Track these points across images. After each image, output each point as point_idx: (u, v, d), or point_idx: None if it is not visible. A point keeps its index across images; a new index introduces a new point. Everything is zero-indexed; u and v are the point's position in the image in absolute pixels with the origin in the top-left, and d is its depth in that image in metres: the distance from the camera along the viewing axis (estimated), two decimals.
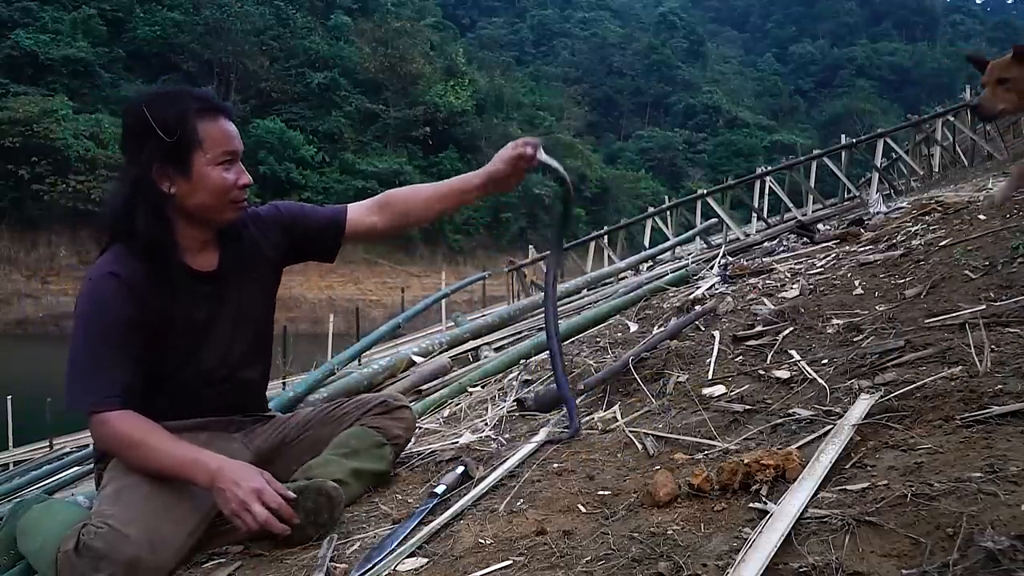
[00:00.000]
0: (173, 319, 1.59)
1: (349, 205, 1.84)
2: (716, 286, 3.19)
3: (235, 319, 1.69)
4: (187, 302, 1.61)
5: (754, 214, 14.01)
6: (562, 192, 1.84)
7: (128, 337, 1.53)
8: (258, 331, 1.77)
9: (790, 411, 1.49)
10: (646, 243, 13.96)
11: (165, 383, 1.63)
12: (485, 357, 3.67)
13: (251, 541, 1.52)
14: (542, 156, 1.72)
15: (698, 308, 2.57)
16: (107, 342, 1.51)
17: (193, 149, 1.54)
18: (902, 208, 4.43)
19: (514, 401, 2.19)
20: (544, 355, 2.99)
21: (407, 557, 1.25)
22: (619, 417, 1.77)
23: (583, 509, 1.28)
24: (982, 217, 2.80)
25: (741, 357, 1.98)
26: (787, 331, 2.05)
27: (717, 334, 2.21)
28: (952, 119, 13.83)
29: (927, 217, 3.30)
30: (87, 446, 5.01)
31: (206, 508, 1.52)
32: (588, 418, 1.87)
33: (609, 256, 13.93)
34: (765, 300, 2.53)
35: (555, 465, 1.54)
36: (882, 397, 1.39)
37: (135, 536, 1.38)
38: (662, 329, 2.48)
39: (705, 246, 9.39)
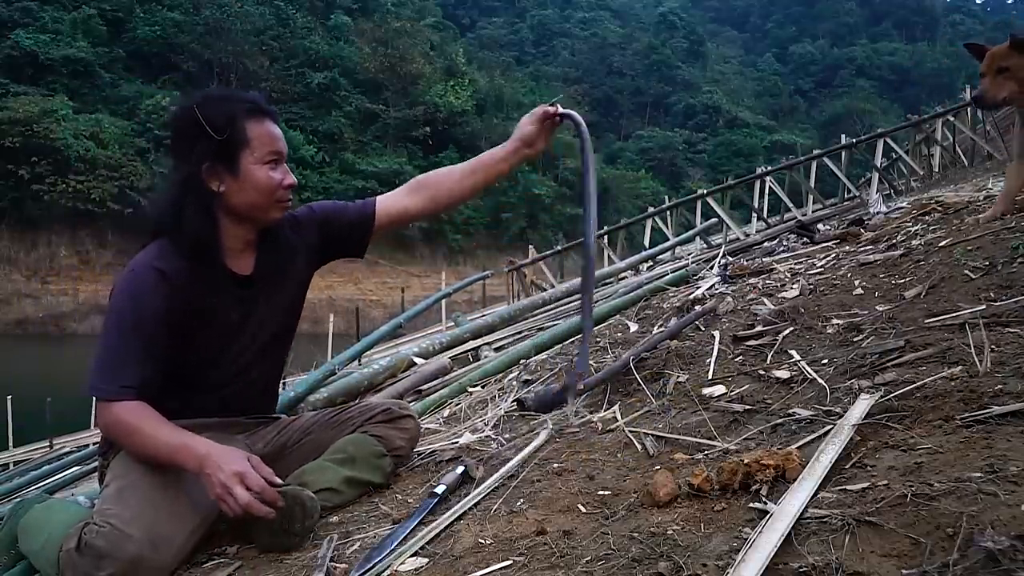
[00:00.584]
0: (208, 319, 1.61)
1: (378, 198, 1.87)
2: (716, 286, 3.19)
3: (263, 323, 1.72)
4: (224, 303, 1.63)
5: (754, 214, 14.01)
6: (581, 142, 1.95)
7: (158, 332, 1.54)
8: (282, 336, 1.80)
9: (790, 411, 1.49)
10: (646, 243, 13.96)
11: (189, 380, 1.64)
12: (485, 357, 3.67)
13: (233, 543, 1.52)
14: (562, 109, 1.83)
15: (698, 308, 2.57)
16: (137, 335, 1.53)
17: (242, 148, 1.58)
18: (902, 208, 4.43)
19: (514, 401, 2.19)
20: (544, 355, 2.99)
21: (407, 557, 1.25)
22: (619, 417, 1.77)
23: (583, 509, 1.28)
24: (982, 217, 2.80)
25: (741, 357, 1.98)
26: (787, 331, 2.05)
27: (717, 334, 2.21)
28: (952, 119, 13.82)
29: (927, 217, 3.30)
30: (87, 446, 5.01)
31: (207, 507, 1.52)
32: (588, 418, 1.87)
33: (609, 256, 13.93)
34: (765, 300, 2.53)
35: (555, 465, 1.54)
36: (882, 397, 1.39)
37: (137, 535, 1.39)
38: (662, 329, 2.49)
39: (705, 246, 9.38)
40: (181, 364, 1.61)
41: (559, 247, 14.67)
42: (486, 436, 1.92)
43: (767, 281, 2.97)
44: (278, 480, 1.48)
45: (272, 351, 1.78)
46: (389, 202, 1.85)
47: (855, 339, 1.82)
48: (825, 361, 1.74)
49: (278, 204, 1.64)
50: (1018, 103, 2.61)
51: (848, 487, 1.09)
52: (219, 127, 1.55)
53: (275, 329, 1.75)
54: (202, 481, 1.45)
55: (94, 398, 1.54)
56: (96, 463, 1.92)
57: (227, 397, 1.70)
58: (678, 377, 1.94)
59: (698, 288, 3.20)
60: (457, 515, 1.38)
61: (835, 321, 2.03)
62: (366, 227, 1.83)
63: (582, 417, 1.87)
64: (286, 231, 1.74)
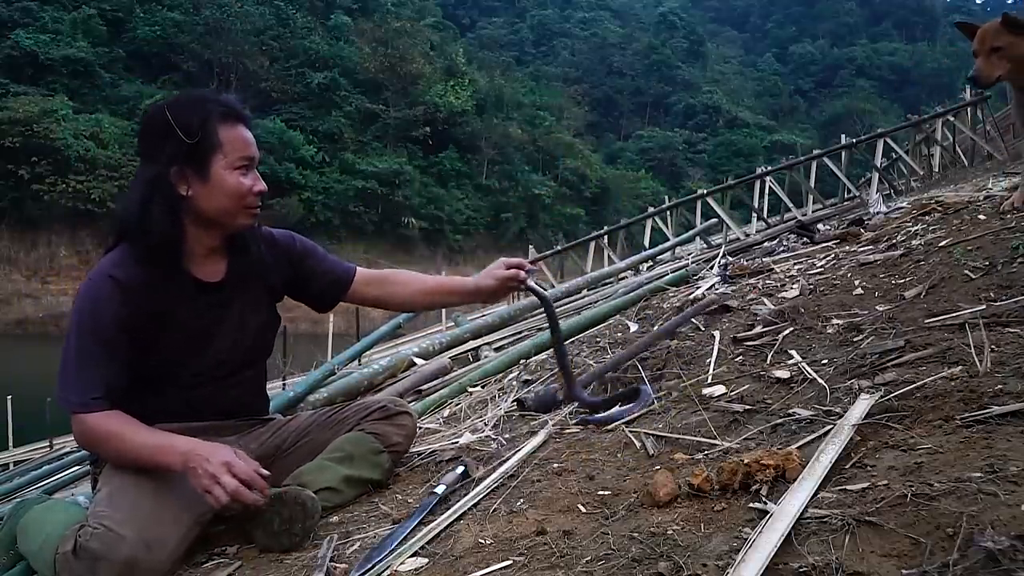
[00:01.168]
0: (168, 325, 1.59)
1: (359, 268, 1.89)
2: (716, 286, 3.18)
3: (237, 328, 1.70)
4: (187, 309, 1.61)
5: (754, 214, 14.01)
6: (547, 314, 2.00)
7: (118, 339, 1.53)
8: (257, 342, 1.78)
9: (790, 411, 1.49)
10: (646, 243, 13.96)
11: (159, 385, 1.63)
12: (485, 357, 3.67)
13: (233, 543, 1.52)
14: (531, 284, 1.88)
15: (688, 309, 2.57)
16: (96, 343, 1.52)
17: (212, 152, 1.56)
18: (902, 208, 4.43)
19: (514, 401, 2.19)
20: (544, 355, 2.99)
21: (407, 557, 1.25)
22: None
23: (583, 509, 1.28)
24: (982, 217, 2.80)
25: (741, 357, 1.98)
26: (787, 331, 2.05)
27: (717, 334, 2.21)
28: (952, 119, 13.82)
29: (927, 217, 3.29)
30: None
31: (200, 508, 1.52)
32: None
33: (609, 256, 13.93)
34: (765, 300, 2.53)
35: (555, 465, 1.54)
36: (882, 397, 1.39)
37: (130, 537, 1.39)
38: (648, 332, 2.48)
39: (705, 246, 9.39)
40: (151, 368, 1.60)
41: (559, 247, 14.67)
42: (486, 436, 1.92)
43: (767, 281, 2.97)
44: (265, 472, 1.47)
45: (249, 356, 1.76)
46: (363, 282, 1.87)
47: (855, 339, 1.82)
48: (825, 361, 1.74)
49: (247, 210, 1.62)
50: (1014, 82, 2.62)
51: (848, 487, 1.09)
52: (191, 130, 1.53)
53: (250, 334, 1.74)
54: (188, 477, 1.45)
55: (70, 409, 1.53)
56: None
57: (208, 399, 1.68)
58: (678, 377, 1.95)
59: (698, 288, 3.20)
60: (457, 515, 1.38)
61: (835, 321, 2.03)
62: (339, 290, 1.84)
63: (576, 418, 1.87)
64: (259, 244, 1.73)
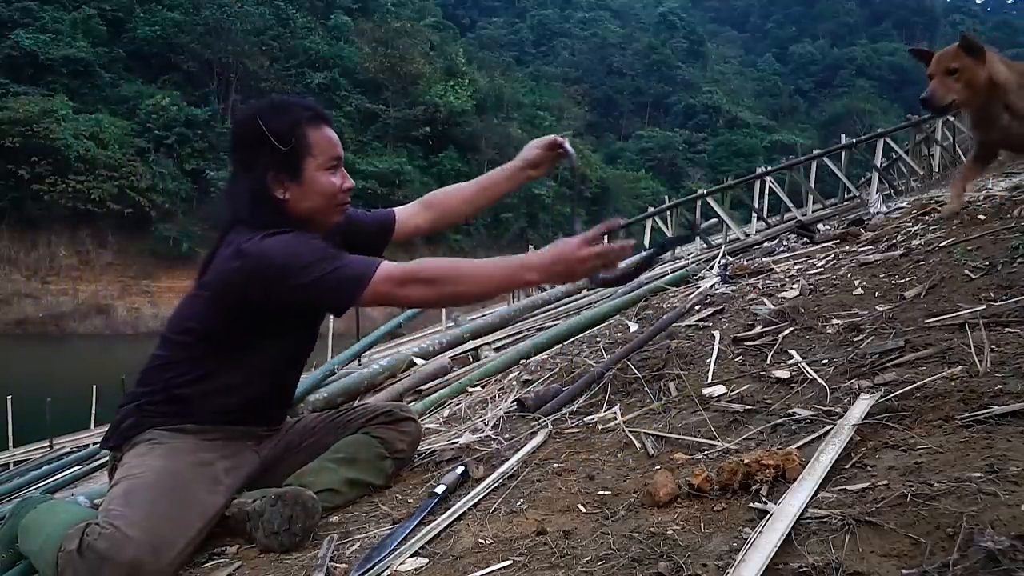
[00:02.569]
0: (295, 316, 1.64)
1: (395, 208, 1.94)
2: (716, 286, 3.18)
3: (312, 328, 1.76)
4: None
5: (754, 214, 14.00)
6: (572, 177, 2.12)
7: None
8: (312, 342, 1.82)
9: (790, 411, 1.49)
10: (646, 243, 13.95)
11: (250, 360, 1.63)
12: (485, 357, 3.67)
13: (233, 543, 1.52)
14: (567, 144, 1.96)
15: (667, 316, 2.56)
16: (326, 248, 1.53)
17: (304, 155, 1.61)
18: (902, 208, 4.43)
19: (514, 401, 2.19)
20: (545, 355, 2.99)
21: (407, 557, 1.25)
22: (619, 417, 1.77)
23: (583, 509, 1.28)
24: (982, 217, 2.80)
25: (741, 357, 1.98)
26: (787, 331, 2.05)
27: (717, 334, 2.21)
28: (952, 119, 13.81)
29: (927, 217, 3.29)
30: (87, 446, 5.01)
31: (210, 513, 1.53)
32: (588, 418, 1.87)
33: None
34: (765, 300, 2.53)
35: (555, 465, 1.54)
36: (882, 397, 1.39)
37: (138, 539, 1.39)
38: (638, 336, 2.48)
39: (705, 246, 9.38)
40: (261, 333, 1.60)
41: None
42: (486, 436, 1.92)
43: (767, 281, 2.97)
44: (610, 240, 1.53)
45: (301, 360, 1.81)
46: (405, 216, 1.92)
47: (855, 339, 1.82)
48: (825, 361, 1.74)
49: (338, 208, 1.68)
50: (967, 106, 2.57)
51: (848, 487, 1.09)
52: (283, 136, 1.58)
53: (311, 335, 1.79)
54: (561, 279, 1.53)
55: (361, 291, 1.48)
56: (97, 463, 1.92)
57: (255, 399, 1.69)
58: (678, 377, 1.95)
59: (698, 288, 3.20)
60: (457, 515, 1.38)
61: (835, 321, 2.03)
62: (384, 238, 1.89)
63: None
64: (329, 238, 1.75)
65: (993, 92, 2.48)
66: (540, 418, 1.95)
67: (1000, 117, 2.55)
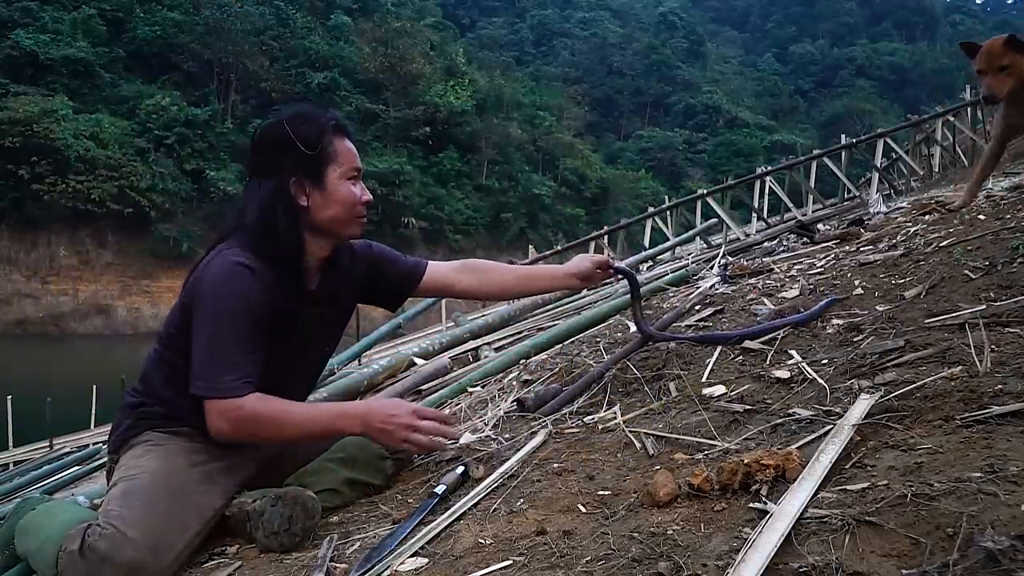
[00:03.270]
0: (284, 328, 1.63)
1: (431, 263, 1.94)
2: (716, 286, 3.18)
3: (318, 342, 1.76)
4: (293, 316, 1.65)
5: (754, 214, 14.01)
6: (631, 289, 2.19)
7: (259, 325, 1.55)
8: (325, 356, 1.85)
9: (790, 411, 1.49)
10: (646, 243, 13.96)
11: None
12: (485, 357, 3.67)
13: (233, 543, 1.52)
14: (618, 264, 2.07)
15: (666, 316, 2.56)
16: (242, 325, 1.53)
17: (328, 163, 1.63)
18: (902, 208, 4.43)
19: (514, 401, 2.19)
20: (545, 355, 2.99)
21: (407, 557, 1.25)
22: (619, 417, 1.77)
23: (583, 509, 1.28)
24: (982, 217, 2.80)
25: (741, 357, 1.98)
26: (787, 331, 2.05)
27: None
28: (952, 119, 13.83)
29: (927, 217, 3.29)
30: (87, 446, 5.01)
31: (207, 515, 1.53)
32: (588, 418, 1.87)
33: (609, 256, 13.92)
34: (765, 300, 2.53)
35: (555, 465, 1.54)
36: (882, 397, 1.39)
37: (138, 539, 1.39)
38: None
39: (705, 246, 9.38)
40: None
41: (559, 247, 14.66)
42: (486, 436, 1.91)
43: (767, 281, 2.97)
44: (443, 413, 1.62)
45: (316, 370, 1.83)
46: (438, 271, 1.92)
47: (855, 339, 1.82)
48: (825, 361, 1.73)
49: (357, 219, 1.69)
50: (1013, 98, 2.81)
51: (848, 487, 1.09)
52: (310, 142, 1.60)
53: (320, 350, 1.80)
54: (375, 437, 1.56)
55: (208, 399, 1.51)
56: (97, 463, 1.92)
57: None
58: (678, 377, 1.94)
59: (698, 288, 3.20)
60: (457, 515, 1.38)
61: (835, 321, 2.03)
62: (410, 285, 1.89)
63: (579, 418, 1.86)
64: (345, 256, 1.77)
65: None
66: (540, 418, 1.95)
67: None
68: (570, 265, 1.98)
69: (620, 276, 2.11)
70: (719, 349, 2.07)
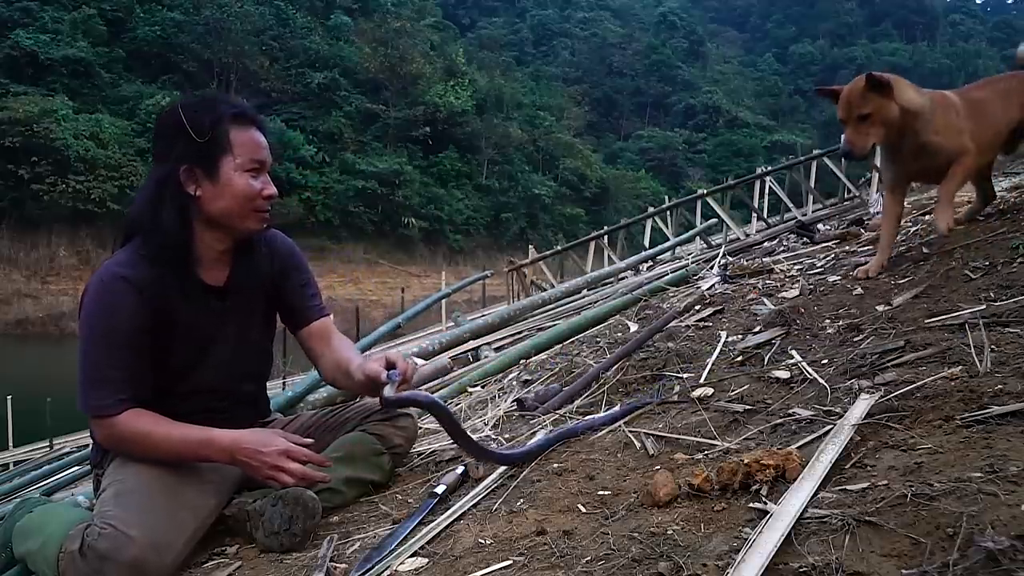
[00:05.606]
0: (177, 328, 1.59)
1: (324, 320, 1.82)
2: (716, 286, 3.18)
3: (237, 336, 1.70)
4: (192, 313, 1.61)
5: (754, 214, 14.00)
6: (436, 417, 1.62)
7: (134, 339, 1.53)
8: (259, 350, 1.79)
9: (790, 411, 1.49)
10: (646, 243, 13.96)
11: (171, 388, 1.62)
12: (485, 357, 3.67)
13: (233, 543, 1.52)
14: (387, 393, 1.56)
15: (666, 316, 2.57)
16: (115, 343, 1.52)
17: (223, 153, 1.56)
18: None
19: (514, 401, 2.19)
20: (544, 355, 2.99)
21: (407, 557, 1.25)
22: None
23: (583, 509, 1.28)
24: (981, 218, 2.80)
25: (741, 357, 1.98)
26: (787, 331, 2.05)
27: (723, 334, 2.21)
28: None
29: (926, 217, 3.29)
30: (87, 446, 5.01)
31: (202, 513, 1.53)
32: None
33: (609, 256, 13.93)
34: (765, 300, 2.53)
35: (555, 465, 1.54)
36: (882, 397, 1.39)
37: (139, 538, 1.39)
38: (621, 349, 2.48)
39: (705, 246, 9.38)
40: (161, 371, 1.59)
41: (559, 247, 14.66)
42: (486, 436, 1.91)
43: (767, 281, 2.97)
44: (309, 440, 1.57)
45: (251, 364, 1.77)
46: (321, 332, 1.79)
47: (855, 339, 1.82)
48: (825, 361, 1.74)
49: (255, 213, 1.61)
50: (886, 141, 2.40)
51: (848, 487, 1.09)
52: (202, 129, 1.54)
53: (251, 343, 1.74)
54: (241, 469, 1.52)
55: (89, 416, 1.54)
56: None
57: (209, 407, 1.67)
58: (678, 377, 1.94)
59: (698, 288, 3.20)
60: (457, 515, 1.38)
61: (835, 321, 2.03)
62: (294, 321, 1.81)
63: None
64: (263, 247, 1.72)
65: (909, 121, 2.34)
66: (540, 418, 1.95)
67: (918, 145, 2.38)
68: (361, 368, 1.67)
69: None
70: (718, 350, 2.08)
